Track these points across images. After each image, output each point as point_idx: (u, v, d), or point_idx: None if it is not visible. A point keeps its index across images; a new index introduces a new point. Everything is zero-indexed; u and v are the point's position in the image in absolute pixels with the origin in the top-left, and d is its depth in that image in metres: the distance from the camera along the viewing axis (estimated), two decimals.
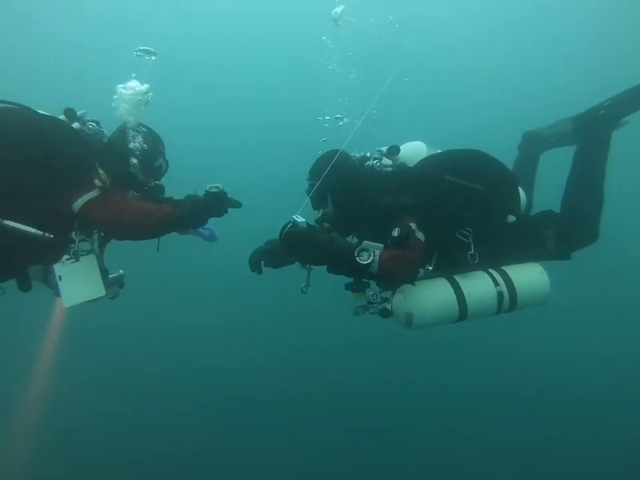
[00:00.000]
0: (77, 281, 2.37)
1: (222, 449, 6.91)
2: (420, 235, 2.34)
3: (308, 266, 2.61)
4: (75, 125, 2.39)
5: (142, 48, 2.74)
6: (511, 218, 2.63)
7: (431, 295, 2.44)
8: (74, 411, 6.70)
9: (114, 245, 2.61)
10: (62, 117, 2.40)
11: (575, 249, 2.81)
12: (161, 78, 2.63)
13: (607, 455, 6.68)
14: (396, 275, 2.27)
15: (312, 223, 2.58)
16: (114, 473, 6.40)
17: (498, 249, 2.60)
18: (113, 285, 2.60)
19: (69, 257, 2.38)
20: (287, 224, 2.22)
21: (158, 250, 2.63)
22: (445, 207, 2.45)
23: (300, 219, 2.26)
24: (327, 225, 2.63)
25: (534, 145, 3.21)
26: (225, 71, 10.23)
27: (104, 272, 2.52)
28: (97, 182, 2.24)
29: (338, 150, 2.59)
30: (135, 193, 2.48)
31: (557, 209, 2.90)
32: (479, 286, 2.50)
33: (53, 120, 2.35)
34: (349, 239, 2.71)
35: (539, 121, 3.23)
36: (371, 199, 2.51)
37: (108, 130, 2.55)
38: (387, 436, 7.17)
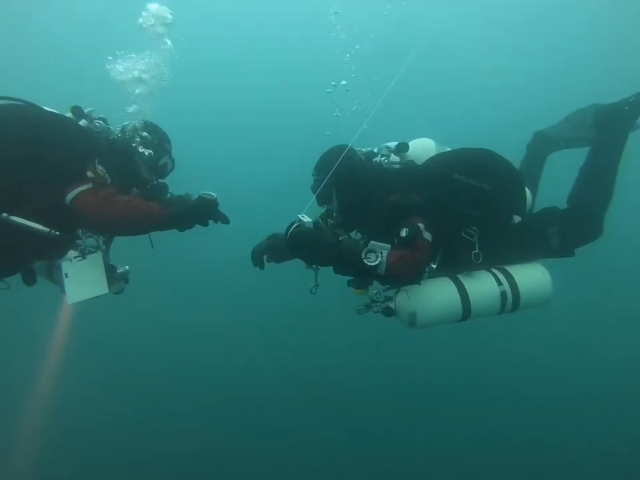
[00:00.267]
0: (83, 278, 2.38)
1: (222, 449, 6.90)
2: (427, 235, 2.33)
3: (314, 266, 2.57)
4: (82, 122, 2.40)
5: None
6: (517, 218, 2.63)
7: (435, 295, 2.44)
8: (74, 411, 6.69)
9: (116, 246, 2.61)
10: (69, 114, 2.40)
11: (578, 246, 2.80)
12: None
13: (607, 455, 6.68)
14: (403, 276, 2.27)
15: (316, 218, 2.56)
16: (114, 473, 6.39)
17: (502, 248, 2.60)
18: (119, 280, 2.60)
19: (77, 254, 2.39)
20: (293, 223, 2.20)
21: (152, 247, 2.62)
22: (452, 205, 2.45)
23: (306, 219, 2.23)
24: (331, 222, 2.61)
25: (543, 146, 3.21)
26: (226, 70, 10.22)
27: (111, 269, 2.53)
28: (89, 174, 2.25)
29: (343, 145, 2.55)
30: (136, 191, 2.49)
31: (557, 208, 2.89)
32: (483, 286, 2.50)
33: (58, 117, 2.36)
34: (352, 234, 2.70)
35: (550, 120, 3.22)
36: (378, 196, 2.50)
37: (115, 128, 2.55)
38: (388, 436, 7.16)
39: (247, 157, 9.61)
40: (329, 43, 3.70)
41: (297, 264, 2.69)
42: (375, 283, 2.51)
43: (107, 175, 2.28)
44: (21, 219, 2.14)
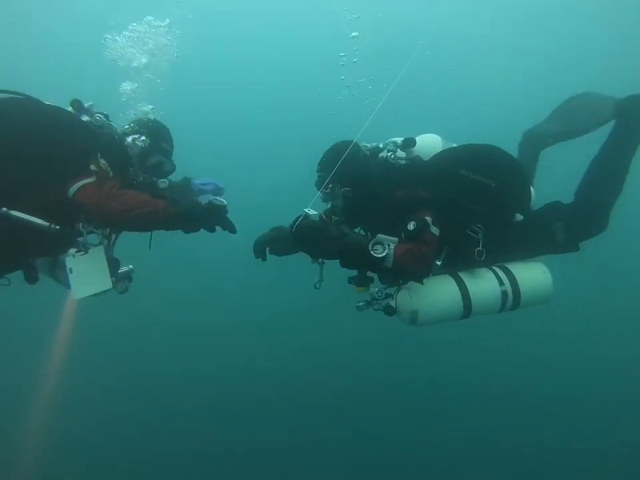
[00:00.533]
0: (87, 273, 2.37)
1: (223, 449, 6.89)
2: (435, 230, 2.31)
3: (320, 260, 2.54)
4: (84, 117, 2.40)
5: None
6: (519, 217, 2.60)
7: (436, 293, 2.43)
8: (74, 411, 6.68)
9: (118, 245, 2.60)
10: (69, 108, 2.40)
11: (583, 239, 2.77)
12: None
13: (606, 455, 6.67)
14: (410, 269, 2.25)
15: (320, 214, 2.55)
16: (115, 473, 6.39)
17: (506, 246, 2.59)
18: (123, 279, 2.58)
19: (79, 249, 2.38)
20: (299, 217, 2.18)
21: (150, 247, 2.60)
22: (459, 202, 2.42)
23: (312, 212, 2.21)
24: (336, 218, 2.59)
25: (533, 144, 3.19)
26: (229, 69, 10.21)
27: (115, 263, 2.51)
28: (92, 167, 2.24)
29: (348, 140, 2.53)
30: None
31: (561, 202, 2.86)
32: (484, 284, 2.50)
33: (59, 111, 2.35)
34: (356, 231, 2.68)
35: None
36: (385, 192, 2.48)
37: (117, 124, 2.56)
38: (388, 435, 7.15)
39: (248, 157, 9.59)
40: (335, 39, 3.69)
41: (297, 263, 2.69)
42: (376, 281, 2.50)
43: (109, 168, 2.28)
44: (20, 214, 2.12)
